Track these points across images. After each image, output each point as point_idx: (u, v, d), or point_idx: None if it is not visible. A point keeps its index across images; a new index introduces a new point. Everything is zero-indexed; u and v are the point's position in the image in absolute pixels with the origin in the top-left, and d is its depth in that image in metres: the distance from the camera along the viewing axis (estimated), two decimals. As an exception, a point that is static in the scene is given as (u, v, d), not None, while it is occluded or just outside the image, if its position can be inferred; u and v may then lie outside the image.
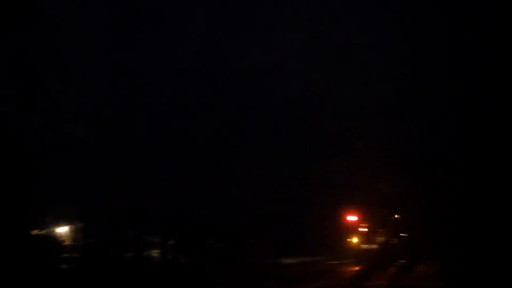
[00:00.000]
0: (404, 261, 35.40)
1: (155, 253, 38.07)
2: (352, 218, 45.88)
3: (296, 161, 39.25)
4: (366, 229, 45.35)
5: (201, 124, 37.74)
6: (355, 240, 46.09)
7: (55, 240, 35.80)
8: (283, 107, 38.84)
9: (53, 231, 36.12)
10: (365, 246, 45.02)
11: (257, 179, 38.91)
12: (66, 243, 36.33)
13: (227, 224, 39.18)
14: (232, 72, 38.61)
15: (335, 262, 43.55)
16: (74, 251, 35.70)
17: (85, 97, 35.19)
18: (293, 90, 38.56)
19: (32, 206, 33.92)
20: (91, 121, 35.99)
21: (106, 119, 36.01)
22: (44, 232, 35.25)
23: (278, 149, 39.24)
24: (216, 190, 37.61)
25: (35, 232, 34.76)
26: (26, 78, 31.90)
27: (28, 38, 31.42)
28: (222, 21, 38.13)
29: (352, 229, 46.22)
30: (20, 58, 31.60)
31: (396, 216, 42.81)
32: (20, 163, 33.57)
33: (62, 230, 36.46)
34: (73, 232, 36.65)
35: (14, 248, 32.15)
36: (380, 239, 43.37)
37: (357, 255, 43.57)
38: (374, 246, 43.54)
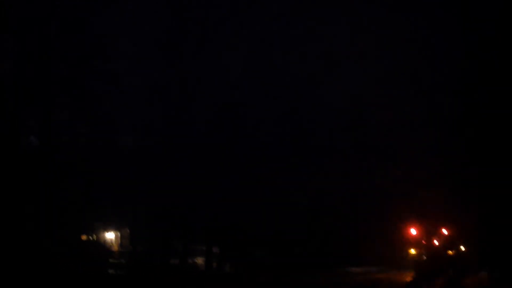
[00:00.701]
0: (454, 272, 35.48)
1: (200, 260, 38.47)
2: (412, 231, 46.09)
3: (347, 173, 39.52)
4: (424, 242, 45.51)
5: (249, 138, 38.24)
6: (413, 251, 46.27)
7: (104, 246, 36.62)
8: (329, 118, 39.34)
9: (102, 237, 36.97)
10: (424, 257, 45.24)
11: (310, 188, 39.23)
12: (114, 249, 37.12)
13: (278, 233, 39.43)
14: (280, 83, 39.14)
15: (393, 271, 43.61)
16: (121, 257, 36.46)
17: (136, 109, 36.08)
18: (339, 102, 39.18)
19: (83, 213, 34.90)
20: (141, 132, 36.80)
21: (156, 130, 36.73)
22: (93, 237, 36.11)
23: (331, 161, 39.65)
24: (268, 200, 38.09)
25: (85, 237, 35.66)
26: (79, 90, 32.90)
27: (80, 53, 32.44)
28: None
29: (411, 241, 46.35)
30: (72, 70, 32.61)
31: (446, 229, 42.79)
32: (72, 172, 34.57)
33: (111, 236, 37.28)
34: (121, 238, 37.45)
35: (65, 252, 33.14)
36: (435, 251, 43.33)
37: (416, 265, 43.59)
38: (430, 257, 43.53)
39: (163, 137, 36.34)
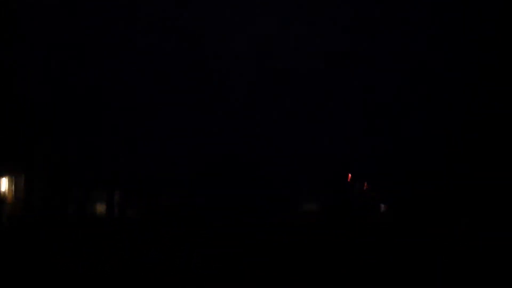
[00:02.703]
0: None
1: (100, 208, 36.98)
2: None
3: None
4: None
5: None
6: None
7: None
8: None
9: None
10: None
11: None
12: (8, 199, 35.05)
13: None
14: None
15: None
16: (15, 208, 34.55)
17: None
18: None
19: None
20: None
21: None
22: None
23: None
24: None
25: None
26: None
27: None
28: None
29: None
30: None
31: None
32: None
33: (3, 185, 35.10)
34: (15, 187, 35.33)
35: None
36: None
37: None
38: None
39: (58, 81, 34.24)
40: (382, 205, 39.10)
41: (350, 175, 40.23)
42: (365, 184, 40.20)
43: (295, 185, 38.35)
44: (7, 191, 34.77)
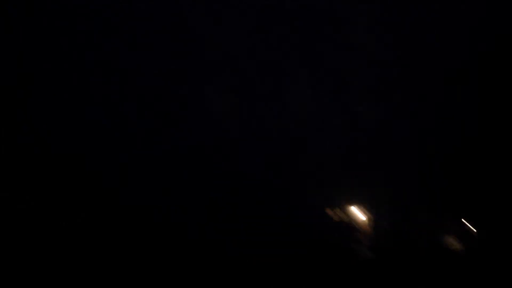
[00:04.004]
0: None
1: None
2: None
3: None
4: None
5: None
6: None
7: (353, 224, 36.97)
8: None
9: (353, 216, 37.27)
10: None
11: None
12: (364, 229, 37.34)
13: None
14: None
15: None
16: (367, 239, 36.51)
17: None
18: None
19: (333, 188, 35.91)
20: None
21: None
22: (342, 214, 36.62)
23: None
24: None
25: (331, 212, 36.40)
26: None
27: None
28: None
29: None
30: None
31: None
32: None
33: (361, 216, 37.52)
34: (370, 219, 37.50)
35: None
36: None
37: None
38: None
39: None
40: None
41: None
42: None
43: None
44: (363, 223, 37.31)
